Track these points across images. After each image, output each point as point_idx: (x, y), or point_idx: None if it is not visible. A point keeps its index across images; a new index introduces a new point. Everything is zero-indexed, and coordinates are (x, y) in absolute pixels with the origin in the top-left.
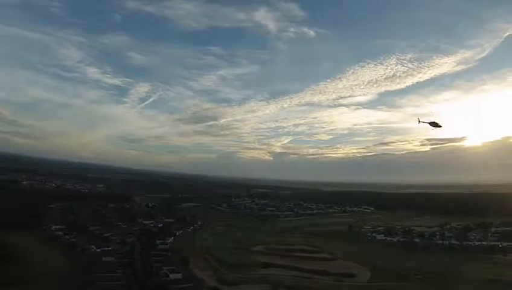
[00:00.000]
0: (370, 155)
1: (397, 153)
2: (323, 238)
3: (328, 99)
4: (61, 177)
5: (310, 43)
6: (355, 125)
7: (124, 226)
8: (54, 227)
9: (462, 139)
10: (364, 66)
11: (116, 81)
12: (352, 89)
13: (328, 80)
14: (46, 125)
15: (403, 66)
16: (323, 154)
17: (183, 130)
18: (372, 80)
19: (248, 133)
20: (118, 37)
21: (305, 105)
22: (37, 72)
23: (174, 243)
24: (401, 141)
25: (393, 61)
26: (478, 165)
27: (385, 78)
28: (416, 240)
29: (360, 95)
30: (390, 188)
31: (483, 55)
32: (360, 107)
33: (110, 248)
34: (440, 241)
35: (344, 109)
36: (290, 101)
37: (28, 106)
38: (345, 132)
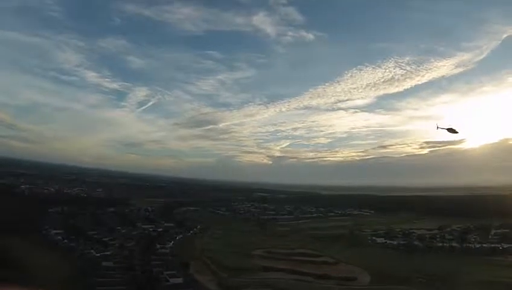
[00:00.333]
0: (369, 158)
1: (396, 156)
2: (324, 241)
3: (326, 103)
4: (60, 181)
5: (309, 47)
6: (353, 128)
7: (123, 231)
8: (53, 231)
9: (460, 141)
10: (362, 70)
11: (114, 85)
12: (350, 92)
13: (327, 84)
14: (45, 129)
15: (401, 69)
16: (322, 157)
17: (182, 134)
18: (370, 83)
19: (247, 137)
20: (116, 41)
21: (303, 109)
22: (35, 75)
23: (174, 247)
24: (400, 144)
25: (391, 64)
26: (477, 168)
27: (383, 82)
28: (417, 242)
29: (358, 99)
30: (390, 191)
31: (481, 57)
32: (359, 110)
33: (109, 253)
34: (440, 244)
35: (342, 112)
36: (289, 105)
37: (27, 109)
38: (344, 135)
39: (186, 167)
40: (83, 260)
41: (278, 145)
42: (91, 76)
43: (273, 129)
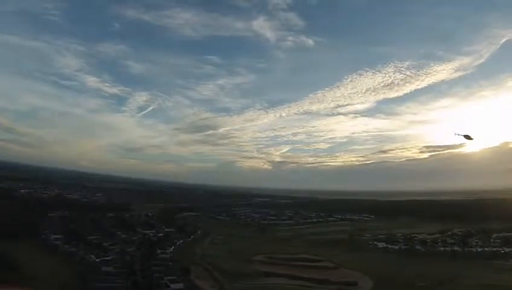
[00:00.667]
0: (369, 163)
1: (396, 160)
2: (324, 246)
3: (326, 108)
4: (60, 186)
5: (309, 52)
6: (353, 133)
7: (124, 236)
8: (53, 236)
9: (460, 145)
10: (362, 74)
11: (114, 90)
12: (350, 97)
13: (327, 89)
14: (45, 133)
15: (401, 73)
16: (322, 162)
17: (182, 139)
18: (370, 88)
19: (247, 142)
20: (116, 46)
21: (303, 114)
22: (35, 80)
23: (174, 252)
24: (400, 149)
25: (391, 69)
26: (477, 171)
27: (383, 86)
28: (418, 247)
29: (358, 103)
30: (390, 196)
31: (481, 61)
32: (359, 115)
33: (109, 258)
34: (442, 248)
35: (342, 117)
36: (289, 110)
37: (27, 114)
38: (344, 140)
39: (186, 172)
40: (83, 265)
41: (278, 151)
42: (91, 81)
43: (273, 134)
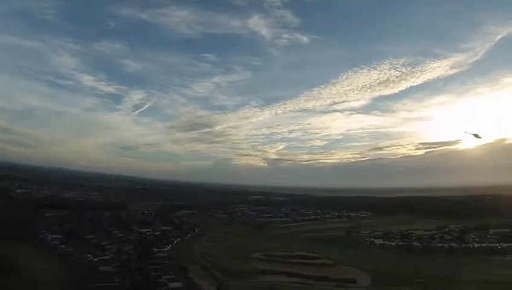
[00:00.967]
0: (365, 160)
1: (392, 157)
2: (322, 243)
3: (322, 105)
4: (56, 185)
5: (304, 49)
6: (349, 130)
7: (121, 235)
8: (50, 236)
9: (456, 142)
10: (357, 71)
11: (110, 89)
12: (346, 94)
13: (322, 86)
14: (40, 133)
15: (396, 70)
16: (317, 160)
17: (178, 137)
18: (365, 85)
19: (242, 140)
20: (112, 45)
21: (299, 111)
22: (30, 79)
23: (171, 251)
24: (396, 146)
25: (386, 66)
26: (473, 168)
27: (379, 83)
28: (415, 243)
29: (353, 100)
30: (386, 193)
31: (476, 58)
32: (354, 112)
33: (107, 257)
34: (439, 244)
35: (338, 114)
36: (284, 108)
37: (22, 113)
38: (339, 137)
39: (182, 170)
40: (81, 265)
41: (273, 148)
42: (87, 79)
43: (268, 132)
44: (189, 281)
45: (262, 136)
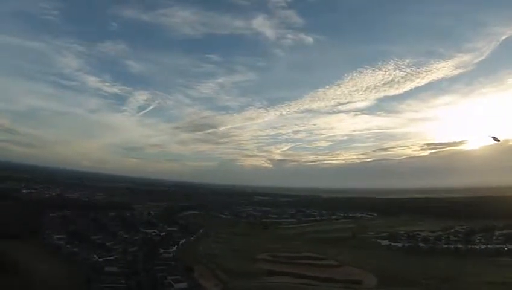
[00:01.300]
0: (370, 161)
1: (397, 158)
2: (328, 244)
3: (326, 106)
4: (61, 186)
5: (308, 50)
6: (354, 131)
7: (126, 235)
8: (55, 236)
9: (461, 143)
10: (362, 72)
11: (115, 90)
12: (350, 95)
13: (327, 87)
14: (45, 133)
15: (401, 71)
16: (322, 160)
17: (183, 138)
18: (370, 85)
19: (247, 141)
20: (116, 46)
21: (304, 112)
22: (35, 80)
23: (177, 251)
24: (401, 146)
25: (391, 66)
26: (478, 169)
27: (383, 84)
28: (421, 244)
29: (358, 101)
30: (391, 194)
31: (481, 58)
32: (359, 113)
33: (112, 258)
34: (445, 246)
35: (343, 115)
36: (289, 108)
37: (27, 114)
38: (344, 138)
39: (187, 171)
40: (86, 265)
41: (278, 149)
42: (91, 80)
43: (273, 133)
44: (195, 282)
45: (267, 137)
